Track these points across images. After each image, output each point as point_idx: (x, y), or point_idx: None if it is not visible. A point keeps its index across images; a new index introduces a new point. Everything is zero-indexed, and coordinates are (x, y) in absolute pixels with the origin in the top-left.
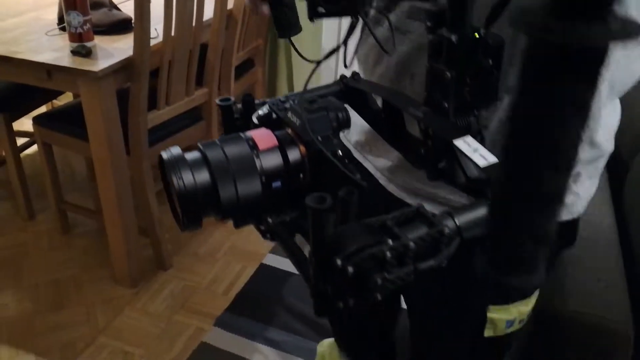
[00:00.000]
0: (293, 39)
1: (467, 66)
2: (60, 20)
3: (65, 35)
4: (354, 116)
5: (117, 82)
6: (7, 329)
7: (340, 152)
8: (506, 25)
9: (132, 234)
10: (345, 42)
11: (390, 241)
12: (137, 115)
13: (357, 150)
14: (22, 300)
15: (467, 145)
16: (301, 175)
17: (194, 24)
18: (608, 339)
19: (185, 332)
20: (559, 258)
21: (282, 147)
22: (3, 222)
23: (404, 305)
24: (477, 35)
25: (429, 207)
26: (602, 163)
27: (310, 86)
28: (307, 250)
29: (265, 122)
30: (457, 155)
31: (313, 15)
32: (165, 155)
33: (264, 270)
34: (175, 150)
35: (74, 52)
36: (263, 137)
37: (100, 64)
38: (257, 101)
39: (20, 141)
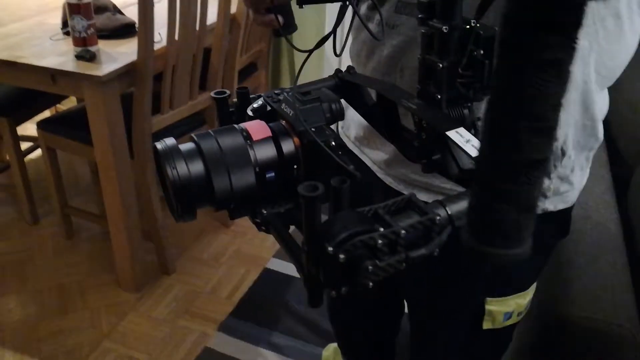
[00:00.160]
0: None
1: (459, 57)
2: (64, 24)
3: (69, 40)
4: (351, 110)
5: (121, 86)
6: (12, 334)
7: (333, 143)
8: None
9: (136, 238)
10: (334, 30)
11: (381, 229)
12: (141, 119)
13: (355, 145)
14: (27, 305)
15: (459, 136)
16: (295, 167)
17: (197, 28)
18: (615, 344)
19: (189, 337)
20: (563, 262)
21: (275, 138)
22: (7, 226)
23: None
24: (468, 26)
25: (426, 198)
26: (592, 153)
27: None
28: (300, 242)
29: (260, 114)
30: (450, 147)
31: (302, 1)
32: (159, 145)
33: (268, 275)
34: (170, 141)
35: (78, 57)
36: (257, 128)
37: (105, 68)
38: (252, 95)
39: (24, 146)
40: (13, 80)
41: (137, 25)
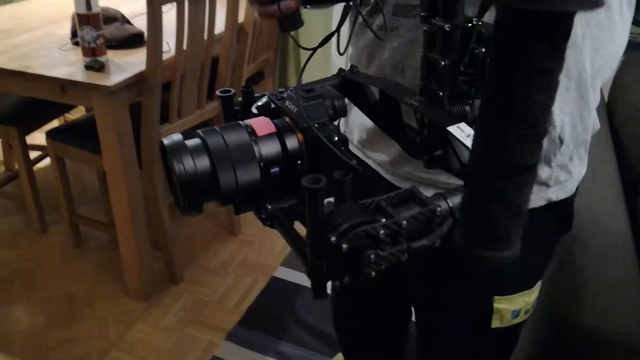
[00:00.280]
0: (300, 31)
1: (461, 55)
2: (73, 35)
3: (78, 50)
4: (354, 114)
5: (130, 96)
6: (20, 343)
7: (336, 138)
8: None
9: (144, 247)
10: (338, 29)
11: (383, 219)
12: (150, 128)
13: (358, 149)
14: (35, 314)
15: (460, 131)
16: (299, 162)
17: (205, 37)
18: (625, 354)
19: (197, 346)
20: (574, 268)
21: (280, 134)
22: (16, 235)
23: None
24: (470, 25)
25: (432, 193)
26: (588, 144)
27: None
28: (304, 235)
29: (264, 112)
30: (452, 142)
31: (306, 1)
32: (166, 141)
33: (275, 284)
34: (177, 136)
35: (88, 67)
36: (261, 124)
37: (114, 78)
38: (256, 95)
39: (32, 155)
40: (23, 90)
41: (145, 35)
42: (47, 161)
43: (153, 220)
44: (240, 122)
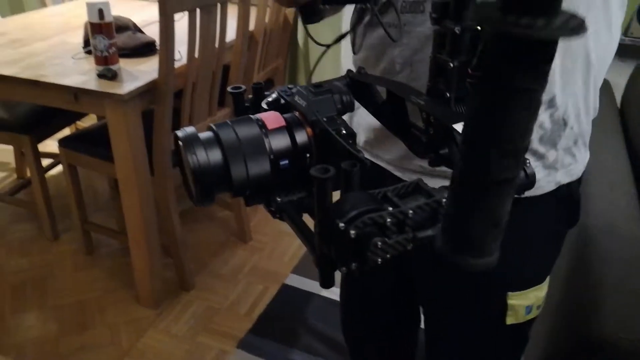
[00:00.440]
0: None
1: (470, 57)
2: (86, 43)
3: (91, 59)
4: (361, 115)
5: (142, 104)
6: (32, 351)
7: (344, 131)
8: None
9: (155, 254)
10: (354, 29)
11: (390, 208)
12: (162, 136)
13: (366, 149)
14: (47, 321)
15: None
16: (308, 155)
17: (216, 45)
18: None
19: (208, 354)
20: (592, 280)
21: (289, 127)
22: (28, 242)
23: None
24: (480, 28)
25: (441, 184)
26: (590, 128)
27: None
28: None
29: (274, 107)
30: (457, 140)
31: (326, 1)
32: (180, 134)
33: (286, 291)
34: (190, 129)
35: (100, 75)
36: (272, 118)
37: (126, 86)
38: (266, 92)
39: (44, 162)
40: (36, 98)
41: (157, 44)
42: (58, 168)
43: (164, 227)
44: (251, 116)
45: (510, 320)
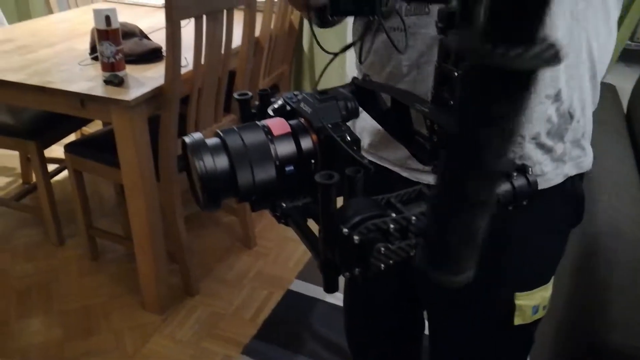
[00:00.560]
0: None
1: None
2: (92, 50)
3: (97, 65)
4: (364, 119)
5: (149, 110)
6: (37, 356)
7: (348, 138)
8: None
9: (161, 259)
10: (361, 38)
11: (393, 214)
12: (168, 142)
13: (370, 152)
14: (52, 327)
15: None
16: (313, 161)
17: (222, 51)
18: None
19: (213, 359)
20: (599, 284)
21: (295, 134)
22: (33, 247)
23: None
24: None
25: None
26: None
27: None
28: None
29: (280, 114)
30: None
31: (335, 12)
32: (188, 139)
33: (291, 297)
34: (197, 135)
35: (107, 82)
36: (277, 124)
37: (133, 93)
38: (272, 98)
39: (50, 167)
40: (43, 104)
41: (163, 50)
42: (64, 174)
43: (169, 232)
44: (257, 122)
45: (517, 320)
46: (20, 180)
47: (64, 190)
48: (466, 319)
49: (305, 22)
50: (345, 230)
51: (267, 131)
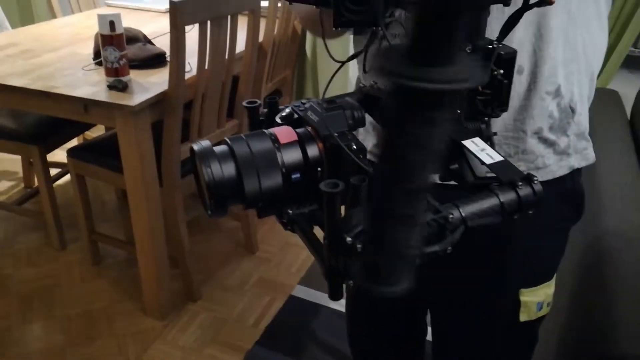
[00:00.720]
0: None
1: None
2: (96, 55)
3: (101, 70)
4: (367, 123)
5: (153, 115)
6: None
7: (354, 146)
8: None
9: (163, 265)
10: (366, 48)
11: None
12: (171, 147)
13: (374, 154)
14: (54, 332)
15: (475, 145)
16: (319, 169)
17: (226, 57)
18: None
19: None
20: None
21: (301, 142)
22: (35, 252)
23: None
24: (491, 47)
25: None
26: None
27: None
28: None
29: (287, 122)
30: (466, 156)
31: (338, 24)
32: (196, 147)
33: (293, 302)
34: (206, 142)
35: (111, 87)
36: (284, 132)
37: (136, 98)
38: (280, 106)
39: (52, 172)
40: (46, 109)
41: (167, 55)
42: (65, 178)
43: (171, 237)
44: (265, 130)
45: (523, 317)
46: (22, 185)
47: (66, 194)
48: (471, 318)
49: None
50: (348, 239)
51: (274, 139)
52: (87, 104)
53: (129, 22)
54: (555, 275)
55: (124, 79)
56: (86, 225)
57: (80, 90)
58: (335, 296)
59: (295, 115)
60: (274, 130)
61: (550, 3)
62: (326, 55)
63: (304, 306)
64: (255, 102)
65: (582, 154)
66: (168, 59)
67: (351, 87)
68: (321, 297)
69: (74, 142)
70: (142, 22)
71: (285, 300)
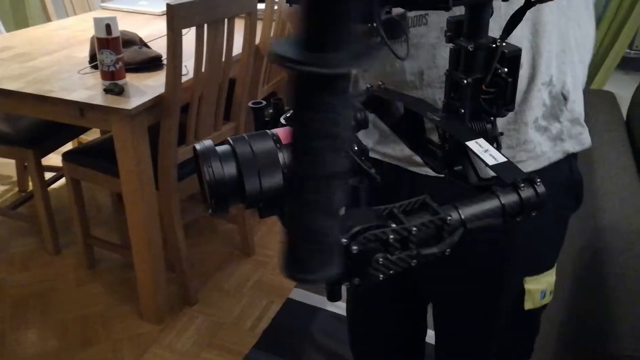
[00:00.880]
0: None
1: (484, 74)
2: (92, 58)
3: (97, 73)
4: (375, 121)
5: (149, 119)
6: None
7: (356, 148)
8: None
9: (160, 269)
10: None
11: (393, 225)
12: (168, 150)
13: (377, 151)
14: (49, 337)
15: (478, 146)
16: None
17: (223, 59)
18: None
19: None
20: (608, 297)
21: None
22: (30, 257)
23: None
24: (494, 45)
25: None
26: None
27: None
28: None
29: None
30: (470, 157)
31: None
32: (198, 146)
33: (291, 306)
34: (208, 142)
35: (107, 90)
36: (287, 133)
37: (133, 101)
38: (286, 107)
39: (46, 175)
40: (42, 113)
41: (163, 58)
42: (60, 182)
43: (168, 241)
44: (268, 131)
45: (528, 305)
46: (17, 189)
47: (60, 198)
48: (476, 309)
49: None
50: (344, 240)
51: (277, 139)
52: (83, 108)
53: (124, 25)
54: (556, 264)
55: (120, 82)
56: (81, 229)
57: (76, 94)
58: (332, 297)
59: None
60: (277, 130)
61: None
62: None
63: (301, 309)
64: (261, 102)
65: (578, 139)
66: (164, 62)
67: None
68: (319, 300)
69: (68, 146)
70: (137, 25)
71: (283, 303)
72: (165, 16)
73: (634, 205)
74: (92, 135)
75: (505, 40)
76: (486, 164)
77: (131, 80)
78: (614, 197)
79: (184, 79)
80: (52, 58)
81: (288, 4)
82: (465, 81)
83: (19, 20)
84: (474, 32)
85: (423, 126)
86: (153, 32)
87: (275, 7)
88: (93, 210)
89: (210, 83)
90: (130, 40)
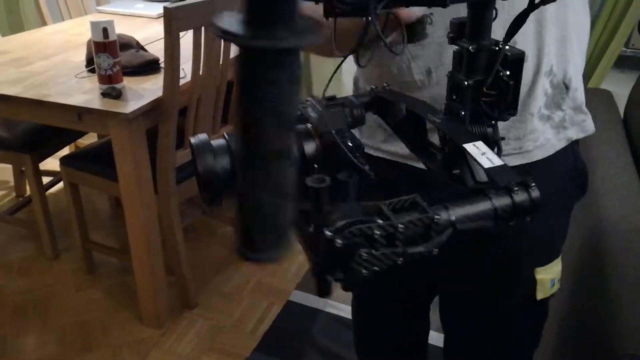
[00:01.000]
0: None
1: (485, 76)
2: (89, 62)
3: (94, 77)
4: (375, 121)
5: (147, 122)
6: None
7: (350, 144)
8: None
9: (159, 273)
10: (360, 42)
11: (379, 221)
12: (166, 154)
13: (380, 149)
14: (48, 343)
15: (476, 148)
16: (316, 166)
17: (221, 62)
18: None
19: None
20: (610, 296)
21: (298, 138)
22: (28, 262)
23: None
24: (496, 48)
25: None
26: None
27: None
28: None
29: None
30: (467, 159)
31: (329, 14)
32: (193, 140)
33: (291, 308)
34: (203, 135)
35: (104, 94)
36: None
37: (131, 105)
38: None
39: (44, 180)
40: (39, 118)
41: (161, 62)
42: (57, 186)
43: (167, 245)
44: None
45: (540, 295)
46: (14, 194)
47: (58, 203)
48: (489, 304)
49: None
50: (328, 233)
51: None
52: (80, 112)
53: (120, 28)
54: (560, 253)
55: (118, 86)
56: (80, 233)
57: (74, 99)
58: (322, 292)
59: (298, 112)
60: None
61: None
62: (320, 59)
63: (302, 311)
64: None
65: (581, 126)
66: (162, 65)
67: (346, 87)
68: (319, 302)
69: (65, 150)
70: (134, 29)
71: (283, 305)
72: (161, 19)
73: (633, 204)
74: (89, 139)
75: (509, 43)
76: (482, 167)
77: (129, 83)
78: (613, 196)
79: (181, 82)
80: (49, 62)
81: None
82: (466, 83)
83: (13, 24)
84: (476, 34)
85: (425, 128)
86: (150, 35)
87: None
88: (91, 215)
89: (208, 86)
90: (127, 44)
